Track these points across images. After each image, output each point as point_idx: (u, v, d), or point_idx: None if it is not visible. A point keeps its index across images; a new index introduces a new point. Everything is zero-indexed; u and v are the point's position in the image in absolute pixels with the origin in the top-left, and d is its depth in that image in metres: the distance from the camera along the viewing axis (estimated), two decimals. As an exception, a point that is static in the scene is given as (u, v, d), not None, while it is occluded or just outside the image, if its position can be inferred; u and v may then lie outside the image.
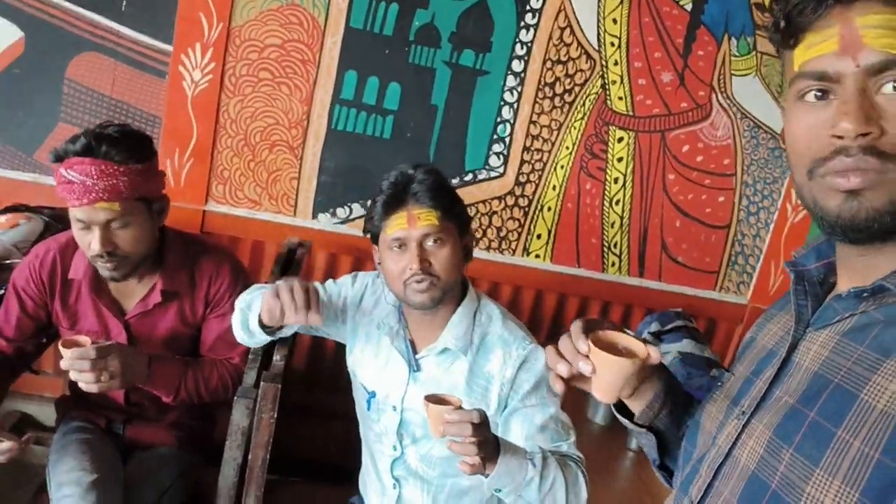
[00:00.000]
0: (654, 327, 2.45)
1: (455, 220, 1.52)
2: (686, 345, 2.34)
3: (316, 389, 2.55)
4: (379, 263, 1.58)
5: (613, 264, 2.71)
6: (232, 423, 1.63)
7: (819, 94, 0.73)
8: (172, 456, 1.86)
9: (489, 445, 1.29)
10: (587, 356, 0.91)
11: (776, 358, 0.84)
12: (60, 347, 1.49)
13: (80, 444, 1.73)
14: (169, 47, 2.36)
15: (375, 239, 1.56)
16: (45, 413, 2.43)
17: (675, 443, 1.05)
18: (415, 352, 1.60)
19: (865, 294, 0.75)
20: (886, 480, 0.64)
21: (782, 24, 0.75)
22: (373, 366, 1.65)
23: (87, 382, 1.51)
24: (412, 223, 1.47)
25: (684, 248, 2.72)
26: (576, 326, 0.95)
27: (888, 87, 0.69)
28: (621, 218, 2.66)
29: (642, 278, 2.73)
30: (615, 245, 2.69)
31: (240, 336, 1.63)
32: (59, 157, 1.55)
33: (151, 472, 1.79)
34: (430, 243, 1.48)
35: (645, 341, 0.94)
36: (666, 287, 2.75)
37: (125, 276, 1.66)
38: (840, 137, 0.70)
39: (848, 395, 0.71)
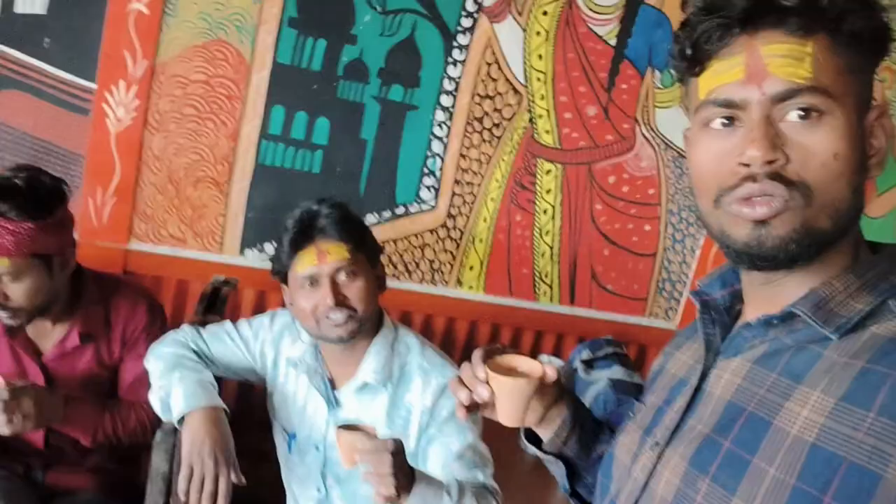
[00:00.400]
0: (586, 355, 2.49)
1: (365, 251, 1.52)
2: (616, 371, 2.38)
3: (244, 432, 2.49)
4: (291, 304, 1.56)
5: (545, 293, 2.74)
6: (152, 468, 1.58)
7: (725, 121, 0.74)
8: (95, 502, 1.79)
9: (405, 477, 1.27)
10: (486, 382, 0.93)
11: (687, 387, 0.84)
12: None
13: None
14: (93, 85, 2.31)
15: (284, 279, 1.55)
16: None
17: (586, 469, 1.05)
18: (334, 388, 1.59)
19: (775, 321, 0.76)
20: None
21: (689, 51, 0.76)
22: (292, 406, 1.63)
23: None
24: (322, 258, 1.47)
25: (613, 276, 2.77)
26: (476, 354, 0.96)
27: (792, 115, 0.70)
28: (551, 248, 2.70)
29: (573, 306, 2.77)
30: (546, 274, 2.72)
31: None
32: None
33: (74, 521, 1.73)
34: (342, 277, 1.48)
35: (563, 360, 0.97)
36: (596, 314, 2.79)
37: (23, 324, 1.62)
38: (747, 165, 0.71)
39: (762, 422, 0.72)
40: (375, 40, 2.41)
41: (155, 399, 1.55)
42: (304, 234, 1.49)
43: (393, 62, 2.44)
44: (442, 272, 2.65)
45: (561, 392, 1.02)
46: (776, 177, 0.70)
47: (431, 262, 2.63)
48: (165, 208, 2.45)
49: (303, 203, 1.55)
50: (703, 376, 0.83)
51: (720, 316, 0.86)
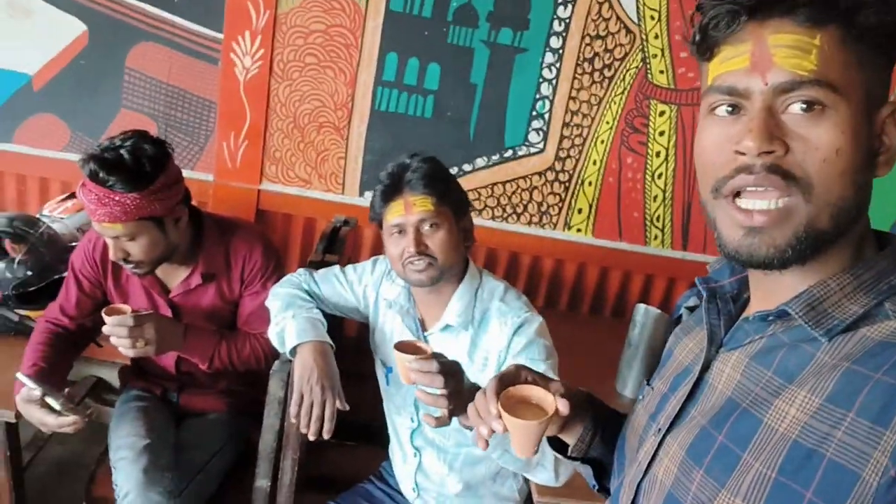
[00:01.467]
0: (693, 301, 2.46)
1: (450, 204, 1.59)
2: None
3: (345, 353, 2.68)
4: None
5: (656, 237, 2.72)
6: (269, 393, 1.76)
7: (730, 108, 0.73)
8: (222, 421, 2.03)
9: (462, 396, 1.29)
10: (499, 416, 0.92)
11: (690, 376, 0.85)
12: (103, 315, 1.65)
13: (136, 411, 1.91)
14: (220, 35, 2.50)
15: (380, 225, 1.65)
16: (116, 377, 2.66)
17: (612, 463, 1.05)
18: (424, 329, 1.70)
19: (770, 318, 0.76)
20: (784, 498, 0.67)
21: (697, 36, 0.75)
22: (389, 343, 1.75)
23: (123, 347, 1.67)
24: (409, 209, 1.56)
25: (729, 221, 2.69)
26: (490, 385, 0.96)
27: (795, 107, 0.69)
28: (664, 191, 2.66)
29: (686, 251, 2.73)
30: (658, 219, 2.69)
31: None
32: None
33: (202, 436, 1.96)
34: (426, 227, 1.57)
35: (563, 389, 0.96)
36: (711, 259, 2.72)
37: (147, 273, 1.80)
38: (744, 154, 0.70)
39: (754, 419, 0.73)
40: (485, -16, 2.44)
41: (273, 334, 1.72)
42: (394, 187, 1.59)
43: (502, 5, 2.46)
44: (550, 214, 2.68)
45: (580, 401, 1.01)
46: (773, 169, 0.69)
47: (539, 204, 2.67)
48: (292, 152, 2.63)
49: (398, 157, 1.64)
50: (706, 367, 0.84)
51: (725, 305, 0.85)
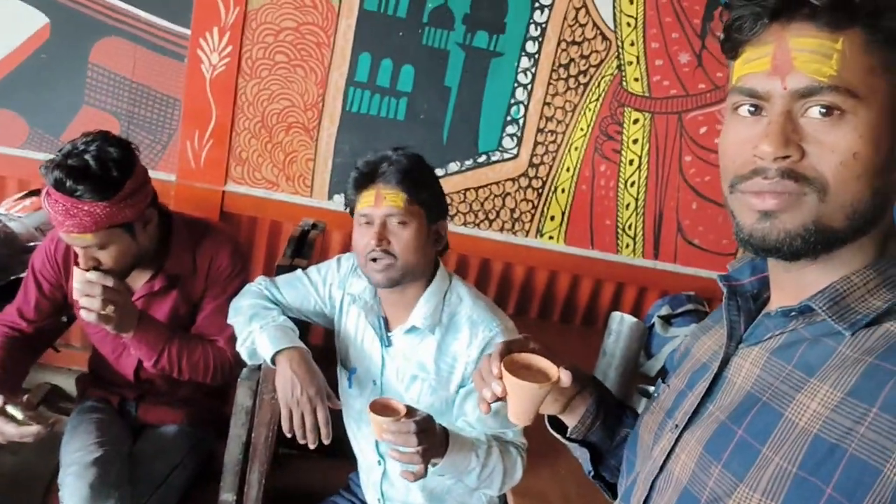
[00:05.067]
0: (665, 311, 2.46)
1: (424, 205, 1.55)
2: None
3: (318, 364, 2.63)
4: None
5: (628, 246, 2.71)
6: (236, 403, 1.70)
7: (752, 108, 0.73)
8: (183, 433, 1.94)
9: (434, 450, 1.36)
10: (500, 378, 0.92)
11: (709, 372, 0.84)
12: (75, 269, 1.59)
13: (89, 423, 1.82)
14: (187, 31, 2.41)
15: (353, 212, 1.61)
16: (73, 385, 2.56)
17: (610, 452, 1.06)
18: (388, 329, 1.66)
19: (793, 313, 0.76)
20: (803, 493, 0.66)
21: (723, 36, 0.76)
22: (352, 342, 1.71)
23: (90, 308, 1.59)
24: (378, 201, 1.52)
25: (700, 231, 2.70)
26: (497, 348, 0.96)
27: (814, 111, 0.69)
28: (636, 200, 2.65)
29: (657, 260, 2.73)
30: (630, 227, 2.68)
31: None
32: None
33: (161, 449, 1.88)
34: (393, 222, 1.52)
35: (575, 363, 0.95)
36: (681, 269, 2.74)
37: (121, 278, 1.72)
38: (761, 157, 0.71)
39: (774, 413, 0.73)
40: (462, -14, 2.40)
41: (242, 349, 1.66)
42: (369, 176, 1.55)
43: (478, 8, 2.42)
44: (522, 221, 2.65)
45: (584, 382, 1.02)
46: (788, 173, 0.70)
47: (512, 210, 2.64)
48: (259, 152, 2.56)
49: (382, 148, 1.60)
50: (725, 363, 0.83)
51: (746, 303, 0.86)
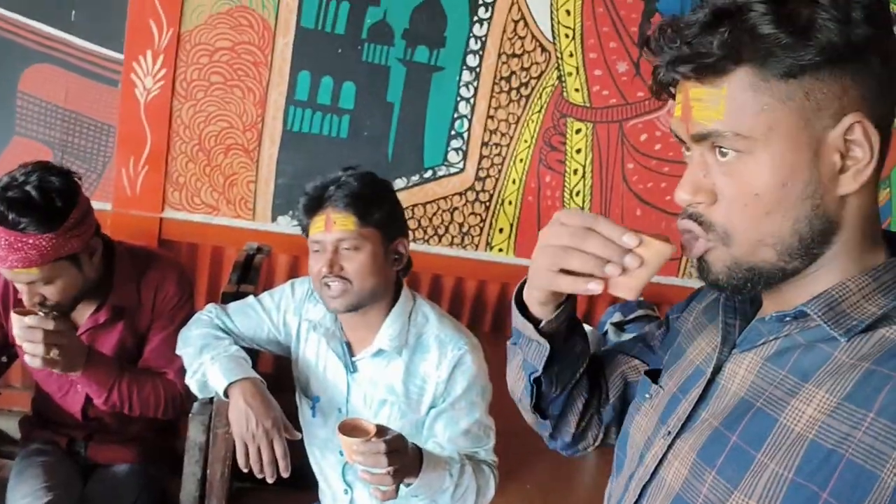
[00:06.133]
0: (617, 317, 2.48)
1: (378, 226, 1.52)
2: (648, 334, 2.36)
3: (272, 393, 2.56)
4: None
5: (577, 255, 2.71)
6: (189, 439, 1.64)
7: (687, 151, 0.77)
8: (134, 472, 1.87)
9: (406, 469, 1.36)
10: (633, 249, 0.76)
11: (702, 378, 0.84)
12: (14, 315, 1.51)
13: (36, 467, 1.74)
14: (120, 56, 2.33)
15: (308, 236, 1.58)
16: (14, 427, 2.43)
17: (560, 359, 0.96)
18: (352, 354, 1.61)
19: (788, 318, 0.76)
20: (799, 499, 0.66)
21: (652, 81, 0.79)
22: (314, 371, 1.66)
23: (34, 355, 1.51)
24: (328, 227, 1.49)
25: (646, 237, 2.73)
26: (605, 220, 0.77)
27: (716, 155, 0.73)
28: (582, 209, 2.67)
29: (606, 268, 2.74)
30: (577, 236, 2.69)
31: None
32: None
33: (113, 490, 1.81)
34: (345, 247, 1.50)
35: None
36: (629, 275, 2.76)
37: (66, 313, 1.66)
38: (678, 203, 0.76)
39: (768, 419, 0.72)
40: (399, 1, 2.38)
41: (192, 382, 1.60)
42: (317, 201, 1.52)
43: (417, 23, 2.41)
44: (471, 235, 2.64)
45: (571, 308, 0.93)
46: (694, 217, 0.74)
47: (461, 225, 2.62)
48: (197, 176, 2.48)
49: (334, 171, 1.56)
50: (718, 369, 0.83)
51: (742, 306, 0.85)
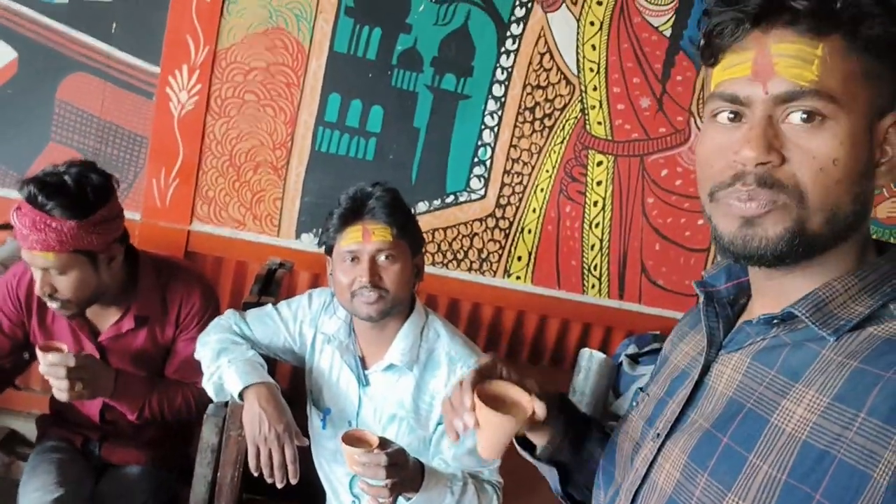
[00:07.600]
0: (632, 350, 2.48)
1: (408, 239, 1.55)
2: (662, 367, 2.36)
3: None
4: (331, 274, 1.61)
5: (594, 286, 2.73)
6: (202, 440, 1.66)
7: (731, 115, 0.73)
8: (146, 474, 1.89)
9: (406, 484, 1.37)
10: (472, 409, 0.87)
11: (689, 379, 0.84)
12: (38, 351, 1.53)
13: (49, 464, 1.76)
14: (157, 69, 2.41)
15: (330, 251, 1.59)
16: (32, 429, 2.46)
17: (578, 469, 1.04)
18: (364, 367, 1.63)
19: (776, 321, 0.76)
20: (793, 501, 0.66)
21: (703, 41, 0.76)
22: (326, 382, 1.68)
23: (60, 390, 1.54)
24: (367, 237, 1.51)
25: (664, 271, 2.74)
26: (468, 377, 0.90)
27: (794, 117, 0.69)
28: (601, 241, 2.69)
29: (622, 300, 2.76)
30: (595, 267, 2.72)
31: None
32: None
33: (124, 490, 1.82)
34: (382, 258, 1.52)
35: (548, 392, 0.92)
36: (646, 310, 2.77)
37: (74, 315, 1.69)
38: (742, 163, 0.71)
39: (759, 419, 0.72)
40: (430, 29, 2.45)
41: (208, 385, 1.61)
42: (354, 212, 1.53)
43: (446, 51, 2.47)
44: (490, 261, 2.67)
45: (552, 403, 0.97)
46: (764, 181, 0.70)
47: (480, 251, 2.65)
48: (226, 191, 2.54)
49: (359, 183, 1.59)
50: (705, 370, 0.83)
51: (723, 309, 0.86)
